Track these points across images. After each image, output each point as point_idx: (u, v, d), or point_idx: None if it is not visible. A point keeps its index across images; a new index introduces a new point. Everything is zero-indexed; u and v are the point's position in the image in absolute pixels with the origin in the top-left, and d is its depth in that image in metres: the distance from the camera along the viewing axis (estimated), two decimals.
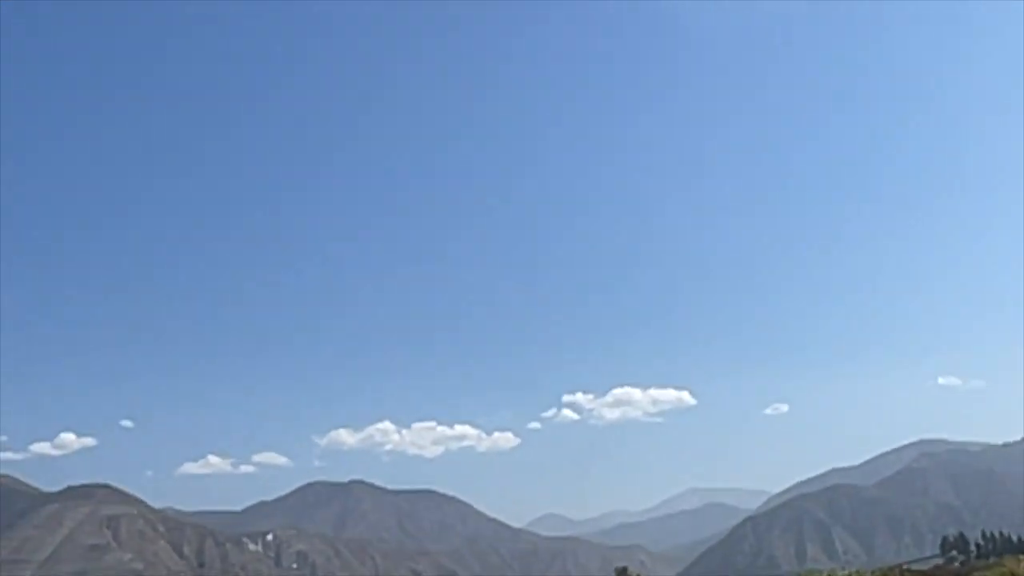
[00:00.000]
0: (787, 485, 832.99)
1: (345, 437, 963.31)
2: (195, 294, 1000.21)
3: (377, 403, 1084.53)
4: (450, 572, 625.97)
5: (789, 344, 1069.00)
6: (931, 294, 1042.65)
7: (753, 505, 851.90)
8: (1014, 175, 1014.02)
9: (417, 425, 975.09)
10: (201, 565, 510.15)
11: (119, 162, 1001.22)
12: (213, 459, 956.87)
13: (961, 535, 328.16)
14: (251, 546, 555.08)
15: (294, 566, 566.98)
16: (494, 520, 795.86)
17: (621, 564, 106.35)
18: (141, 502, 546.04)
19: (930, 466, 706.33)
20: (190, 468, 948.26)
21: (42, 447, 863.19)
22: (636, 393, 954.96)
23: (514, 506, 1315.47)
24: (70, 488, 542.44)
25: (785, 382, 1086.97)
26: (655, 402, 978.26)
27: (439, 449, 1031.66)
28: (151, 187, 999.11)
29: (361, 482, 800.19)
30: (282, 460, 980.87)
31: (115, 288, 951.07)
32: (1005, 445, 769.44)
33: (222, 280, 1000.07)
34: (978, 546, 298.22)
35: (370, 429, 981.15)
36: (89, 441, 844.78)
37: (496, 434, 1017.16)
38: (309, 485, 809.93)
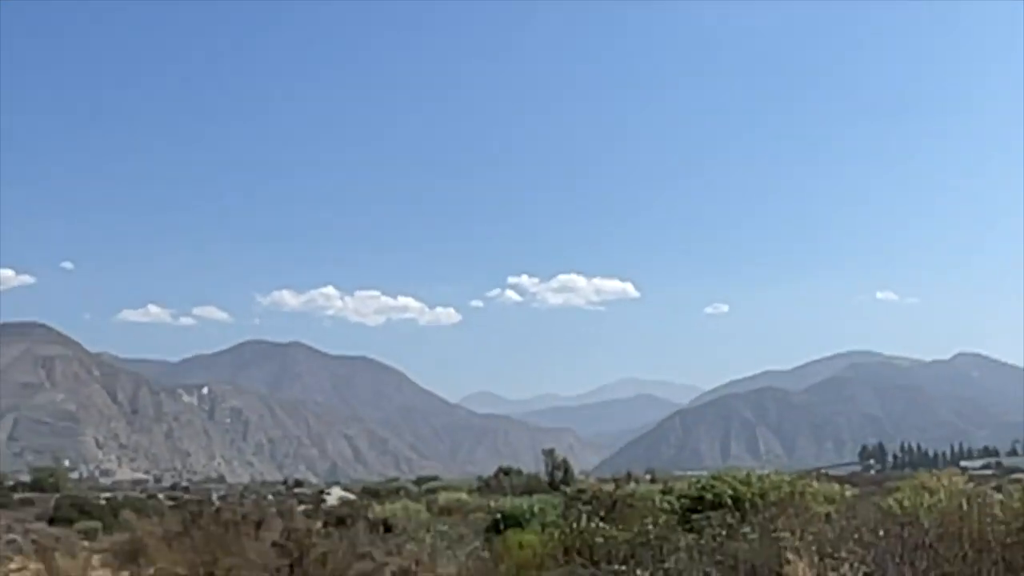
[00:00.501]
0: (719, 383, 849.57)
1: (287, 298, 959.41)
2: (149, 137, 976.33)
3: (322, 268, 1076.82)
4: (381, 439, 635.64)
5: (734, 246, 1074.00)
6: (878, 208, 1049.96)
7: (684, 400, 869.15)
8: (958, 92, 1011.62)
9: (361, 293, 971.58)
10: (134, 412, 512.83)
11: None
12: (153, 308, 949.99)
13: (880, 445, 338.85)
14: (186, 397, 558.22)
15: (227, 420, 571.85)
16: (429, 393, 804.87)
17: (550, 446, 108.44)
18: (77, 344, 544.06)
19: (858, 376, 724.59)
20: (129, 315, 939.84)
21: None
22: (581, 281, 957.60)
23: (450, 381, 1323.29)
24: (6, 325, 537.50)
25: (727, 283, 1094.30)
26: (599, 291, 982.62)
27: (381, 319, 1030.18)
28: (113, 7, 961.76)
29: (300, 344, 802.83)
30: (222, 315, 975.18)
31: (67, 122, 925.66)
32: (933, 362, 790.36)
33: (178, 125, 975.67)
34: (895, 457, 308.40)
35: (313, 293, 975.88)
36: (27, 279, 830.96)
37: (438, 309, 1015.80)
38: (247, 343, 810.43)
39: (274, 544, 13.53)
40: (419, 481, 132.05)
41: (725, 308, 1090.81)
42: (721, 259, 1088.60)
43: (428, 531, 29.59)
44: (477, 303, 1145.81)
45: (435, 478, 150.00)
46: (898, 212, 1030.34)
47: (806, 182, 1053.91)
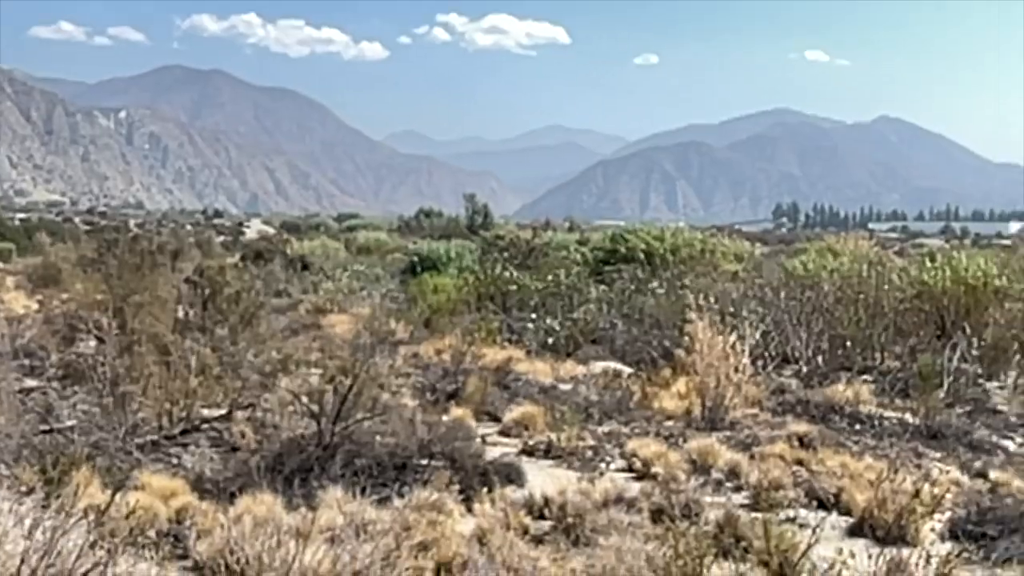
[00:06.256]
0: (644, 135, 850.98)
1: (207, 23, 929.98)
2: None
3: None
4: (303, 173, 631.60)
5: None
6: None
7: (608, 150, 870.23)
8: None
9: (284, 22, 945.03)
10: (49, 133, 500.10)
11: None
12: (66, 25, 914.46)
13: (794, 204, 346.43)
14: (102, 120, 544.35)
15: (146, 146, 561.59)
16: (353, 129, 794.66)
17: (472, 189, 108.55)
18: None
19: (781, 135, 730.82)
20: (41, 32, 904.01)
21: None
22: (512, 22, 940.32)
23: (374, 119, 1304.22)
24: None
25: (659, 34, 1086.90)
26: (529, 35, 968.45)
27: (304, 50, 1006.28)
28: None
29: (221, 72, 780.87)
30: (139, 37, 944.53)
31: None
32: (855, 125, 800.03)
33: None
34: (808, 216, 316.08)
35: (234, 19, 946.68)
36: None
37: (364, 43, 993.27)
38: (166, 67, 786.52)
39: (187, 280, 13.58)
40: (340, 218, 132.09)
41: (655, 59, 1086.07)
42: (654, 9, 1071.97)
43: (345, 270, 29.87)
44: (404, 39, 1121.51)
45: (356, 215, 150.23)
46: None
47: None
